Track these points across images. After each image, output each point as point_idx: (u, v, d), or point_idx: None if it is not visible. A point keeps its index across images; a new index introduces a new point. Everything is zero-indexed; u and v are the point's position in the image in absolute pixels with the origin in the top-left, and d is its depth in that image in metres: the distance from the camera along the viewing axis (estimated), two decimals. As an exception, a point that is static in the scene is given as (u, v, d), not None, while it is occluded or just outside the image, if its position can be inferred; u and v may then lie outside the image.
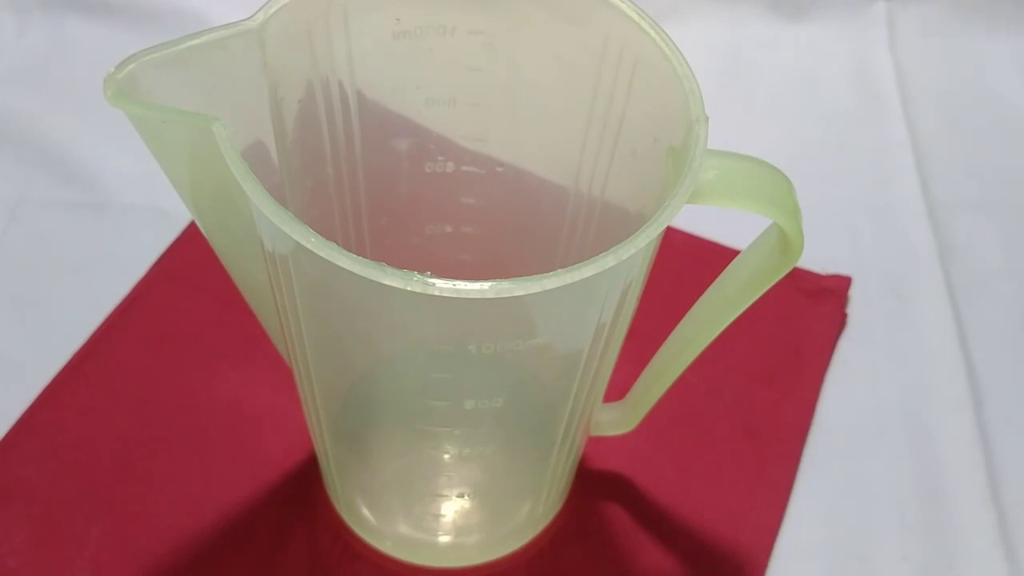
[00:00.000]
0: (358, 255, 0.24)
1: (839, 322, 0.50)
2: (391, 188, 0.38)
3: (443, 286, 0.24)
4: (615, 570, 0.41)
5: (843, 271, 0.52)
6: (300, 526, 0.42)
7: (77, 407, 0.45)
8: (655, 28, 0.30)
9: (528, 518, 0.41)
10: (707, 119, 0.28)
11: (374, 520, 0.41)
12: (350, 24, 0.33)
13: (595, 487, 0.44)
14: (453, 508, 0.40)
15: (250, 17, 0.30)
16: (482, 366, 0.29)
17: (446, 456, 0.37)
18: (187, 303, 0.49)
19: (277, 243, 0.28)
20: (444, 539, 0.41)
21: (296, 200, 0.34)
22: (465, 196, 0.39)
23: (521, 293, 0.24)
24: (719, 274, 0.34)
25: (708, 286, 0.34)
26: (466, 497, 0.40)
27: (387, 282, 0.24)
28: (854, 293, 0.52)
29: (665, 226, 0.26)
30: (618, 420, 0.41)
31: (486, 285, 0.24)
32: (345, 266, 0.24)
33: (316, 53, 0.33)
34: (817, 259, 0.51)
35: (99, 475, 0.43)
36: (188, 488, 0.43)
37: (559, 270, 0.24)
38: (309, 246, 0.24)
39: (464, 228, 0.40)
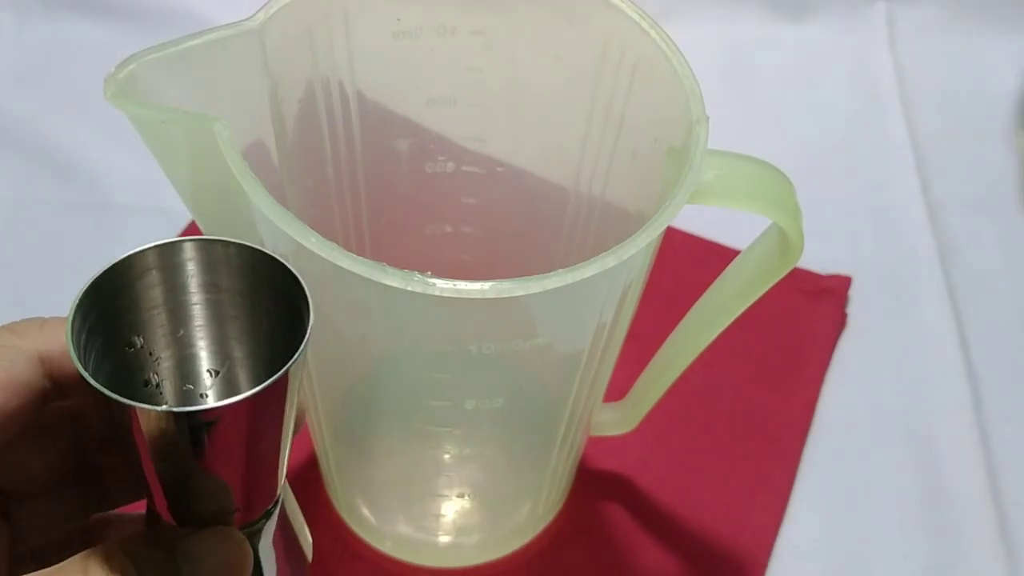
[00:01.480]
0: (358, 255, 0.24)
1: (839, 322, 0.50)
2: (391, 188, 0.38)
3: (444, 286, 0.24)
4: (616, 570, 0.41)
5: (843, 271, 0.52)
6: (300, 526, 0.42)
7: (77, 407, 0.45)
8: (655, 28, 0.30)
9: (528, 518, 0.41)
10: (707, 119, 0.28)
11: (374, 520, 0.41)
12: (351, 24, 0.33)
13: (595, 487, 0.44)
14: (453, 508, 0.40)
15: (250, 17, 0.30)
16: (483, 366, 0.29)
17: (446, 456, 0.37)
18: (187, 303, 0.49)
19: (277, 243, 0.28)
20: (444, 539, 0.41)
21: (296, 200, 0.34)
22: (465, 196, 0.39)
23: (522, 293, 0.24)
24: (719, 274, 0.34)
25: (708, 286, 0.34)
26: (466, 497, 0.40)
27: (388, 282, 0.24)
28: (854, 293, 0.51)
29: (666, 226, 0.26)
30: (618, 420, 0.41)
31: (487, 285, 0.24)
32: (346, 266, 0.24)
33: (316, 53, 0.33)
34: (817, 259, 0.51)
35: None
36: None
37: (560, 270, 0.24)
38: (309, 246, 0.24)
39: (464, 228, 0.40)
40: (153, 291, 0.23)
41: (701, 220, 0.50)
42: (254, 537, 0.25)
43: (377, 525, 0.41)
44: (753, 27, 0.64)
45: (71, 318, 0.21)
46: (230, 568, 0.23)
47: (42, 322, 0.23)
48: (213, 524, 0.23)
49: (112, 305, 0.23)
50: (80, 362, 0.21)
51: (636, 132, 0.33)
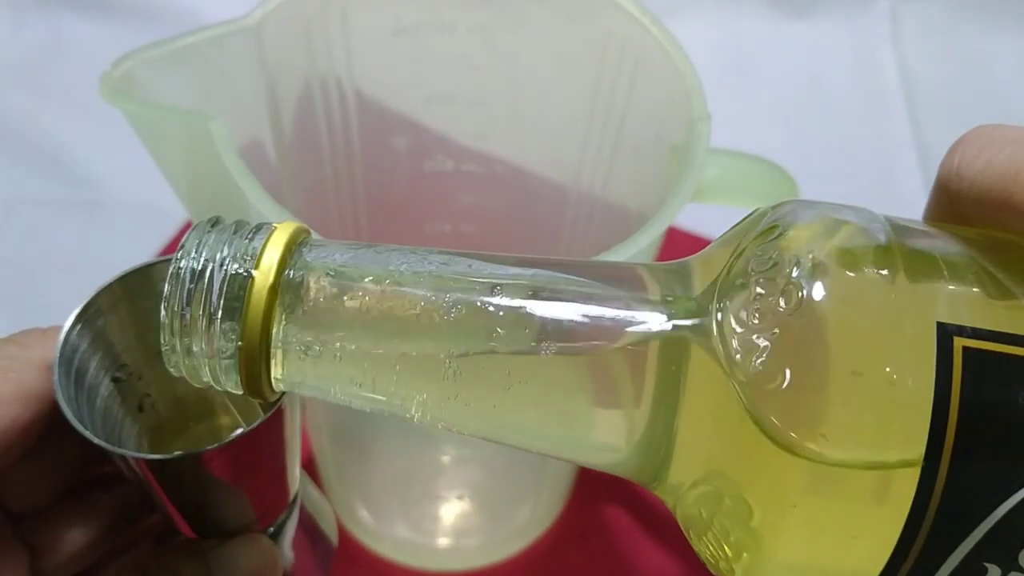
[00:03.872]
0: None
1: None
2: (390, 187, 0.38)
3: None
4: (617, 573, 0.41)
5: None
6: (298, 527, 0.42)
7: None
8: (657, 25, 0.30)
9: (528, 520, 0.41)
10: (709, 117, 0.28)
11: (373, 522, 0.41)
12: (348, 21, 0.32)
13: (595, 488, 0.43)
14: (452, 510, 0.40)
15: (247, 15, 0.29)
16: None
17: (445, 458, 0.37)
18: (185, 302, 0.48)
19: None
20: (443, 542, 0.41)
21: (294, 199, 0.34)
22: (465, 195, 0.39)
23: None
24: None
25: (710, 286, 0.34)
26: (465, 499, 0.40)
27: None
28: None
29: (667, 225, 0.26)
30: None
31: (486, 285, 0.23)
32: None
33: (314, 51, 0.32)
34: (819, 258, 0.51)
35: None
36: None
37: (560, 270, 0.24)
38: (306, 246, 0.24)
39: (464, 227, 0.40)
40: (127, 321, 0.23)
41: (703, 219, 0.50)
42: (276, 536, 0.25)
43: (376, 527, 0.41)
44: (756, 24, 0.64)
45: (56, 376, 0.21)
46: (263, 572, 0.24)
47: (43, 332, 0.23)
48: (236, 533, 0.24)
49: (91, 349, 0.23)
50: (75, 416, 0.20)
51: (637, 130, 0.32)
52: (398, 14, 0.33)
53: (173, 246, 0.51)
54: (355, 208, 0.38)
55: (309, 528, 0.27)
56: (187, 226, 0.51)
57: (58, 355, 0.21)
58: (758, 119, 0.57)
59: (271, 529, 0.25)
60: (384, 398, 0.19)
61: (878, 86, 0.62)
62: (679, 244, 0.50)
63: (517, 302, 0.18)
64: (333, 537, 0.29)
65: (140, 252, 0.50)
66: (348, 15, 0.32)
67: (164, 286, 0.18)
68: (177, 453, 0.20)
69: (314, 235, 0.20)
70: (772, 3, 0.64)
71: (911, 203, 0.55)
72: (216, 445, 0.20)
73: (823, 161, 0.57)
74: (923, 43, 0.64)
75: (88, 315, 0.22)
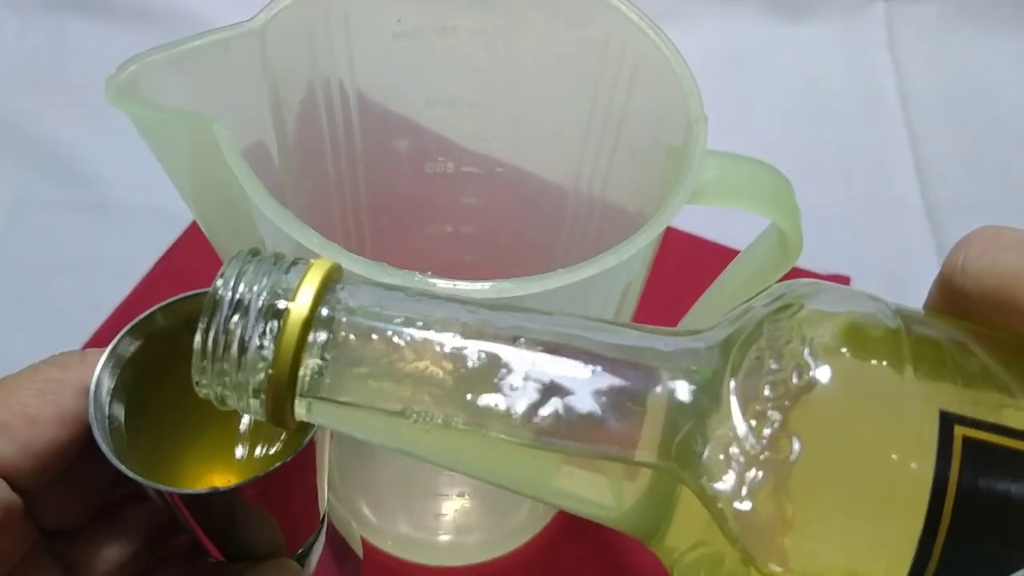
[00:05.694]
0: (358, 255, 0.24)
1: (838, 322, 0.50)
2: (391, 188, 0.38)
3: (444, 286, 0.24)
4: (615, 569, 0.41)
5: (842, 271, 0.52)
6: (301, 525, 0.42)
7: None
8: (654, 29, 0.31)
9: (528, 517, 0.41)
10: (706, 119, 0.28)
11: (375, 519, 0.41)
12: (351, 25, 0.33)
13: (595, 486, 0.44)
14: (453, 507, 0.40)
15: (251, 18, 0.30)
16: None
17: (446, 456, 0.37)
18: (188, 303, 0.49)
19: (278, 243, 0.28)
20: (445, 538, 0.41)
21: (297, 200, 0.34)
22: (465, 196, 0.39)
23: (522, 293, 0.24)
24: (719, 274, 0.34)
25: (708, 286, 0.34)
26: (466, 496, 0.40)
27: (388, 282, 0.24)
28: (853, 293, 0.51)
29: (665, 226, 0.26)
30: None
31: (487, 285, 0.24)
32: (346, 266, 0.24)
33: (317, 54, 0.33)
34: (816, 259, 0.51)
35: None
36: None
37: (560, 270, 0.24)
38: (310, 246, 0.24)
39: (464, 228, 0.40)
40: (156, 356, 0.24)
41: (700, 220, 0.50)
42: (304, 558, 0.26)
43: (378, 524, 0.41)
44: (752, 28, 0.64)
45: (91, 410, 0.22)
46: None
47: (82, 355, 0.23)
48: (266, 556, 0.24)
49: (121, 384, 0.23)
50: (110, 451, 0.21)
51: (636, 132, 0.33)
52: (400, 18, 0.33)
53: (178, 248, 0.51)
54: (357, 209, 0.38)
55: (337, 545, 0.27)
56: (193, 227, 0.51)
57: (92, 391, 0.22)
58: (754, 122, 0.57)
59: (300, 550, 0.25)
60: (398, 437, 0.20)
61: (874, 89, 0.62)
62: (677, 245, 0.50)
63: (537, 356, 0.19)
64: (359, 550, 0.29)
65: (146, 254, 0.51)
66: (351, 19, 0.33)
67: (199, 320, 0.19)
68: (210, 488, 0.21)
69: (347, 273, 0.21)
70: (768, 7, 0.65)
71: (906, 206, 0.56)
72: (249, 480, 0.21)
73: (819, 163, 0.57)
74: (919, 47, 0.64)
75: (118, 351, 0.23)
